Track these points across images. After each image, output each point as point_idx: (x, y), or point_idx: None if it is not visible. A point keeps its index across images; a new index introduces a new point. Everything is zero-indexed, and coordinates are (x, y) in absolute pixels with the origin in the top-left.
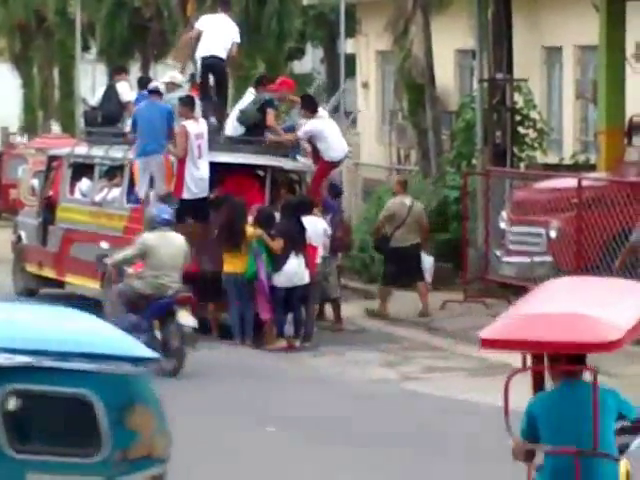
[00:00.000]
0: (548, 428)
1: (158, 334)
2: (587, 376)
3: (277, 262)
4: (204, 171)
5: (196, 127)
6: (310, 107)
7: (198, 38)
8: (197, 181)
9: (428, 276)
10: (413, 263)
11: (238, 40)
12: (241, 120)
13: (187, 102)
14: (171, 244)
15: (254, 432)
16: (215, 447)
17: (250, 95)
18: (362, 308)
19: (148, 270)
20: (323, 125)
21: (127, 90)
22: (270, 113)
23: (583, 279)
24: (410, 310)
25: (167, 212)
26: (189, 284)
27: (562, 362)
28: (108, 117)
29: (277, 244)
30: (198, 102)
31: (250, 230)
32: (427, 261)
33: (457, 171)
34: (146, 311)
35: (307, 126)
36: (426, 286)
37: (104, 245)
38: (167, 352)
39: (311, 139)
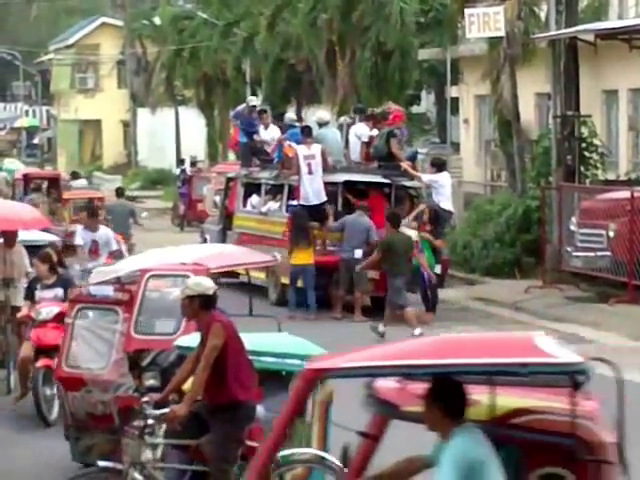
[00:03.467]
0: None
1: None
2: None
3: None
4: (315, 184)
5: (307, 150)
6: (438, 167)
7: None
8: (309, 191)
9: None
10: None
11: None
12: (374, 155)
13: (305, 132)
14: None
15: None
16: None
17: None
18: (465, 292)
19: None
20: (445, 181)
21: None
22: (394, 144)
23: None
24: (502, 294)
25: None
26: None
27: None
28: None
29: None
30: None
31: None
32: None
33: (537, 186)
34: None
35: (433, 176)
36: None
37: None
38: None
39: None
